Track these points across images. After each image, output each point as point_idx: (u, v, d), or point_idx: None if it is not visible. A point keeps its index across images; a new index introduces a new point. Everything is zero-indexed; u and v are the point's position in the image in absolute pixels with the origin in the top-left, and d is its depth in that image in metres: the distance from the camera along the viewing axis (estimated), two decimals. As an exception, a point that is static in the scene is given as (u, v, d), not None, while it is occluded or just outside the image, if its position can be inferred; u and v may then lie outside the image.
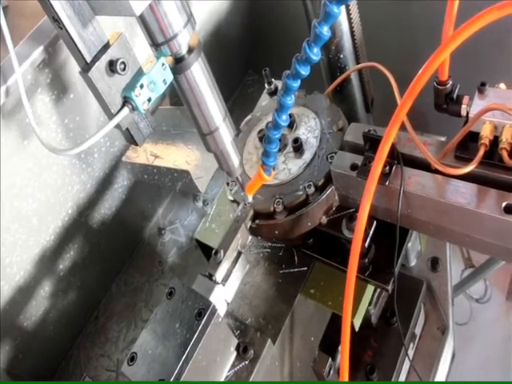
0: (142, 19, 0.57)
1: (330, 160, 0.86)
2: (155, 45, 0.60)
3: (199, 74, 0.65)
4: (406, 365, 1.08)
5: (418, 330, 1.14)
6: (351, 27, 0.97)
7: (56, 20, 0.53)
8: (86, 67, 0.56)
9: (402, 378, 1.07)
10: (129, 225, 1.40)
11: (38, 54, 0.82)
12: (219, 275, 0.80)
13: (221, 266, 0.80)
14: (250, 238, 0.89)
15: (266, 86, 1.07)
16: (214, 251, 0.81)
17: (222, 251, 0.81)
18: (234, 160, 0.78)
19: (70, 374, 1.29)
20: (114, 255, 1.38)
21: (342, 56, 1.02)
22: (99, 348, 1.31)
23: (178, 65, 0.63)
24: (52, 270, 1.16)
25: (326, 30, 0.57)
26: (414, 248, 1.16)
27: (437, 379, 1.11)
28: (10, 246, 1.01)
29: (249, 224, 0.87)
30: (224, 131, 0.73)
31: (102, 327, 1.34)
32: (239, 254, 0.84)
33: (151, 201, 1.45)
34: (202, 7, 1.36)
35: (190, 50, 0.62)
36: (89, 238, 1.24)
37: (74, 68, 0.95)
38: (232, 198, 0.94)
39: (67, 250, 1.18)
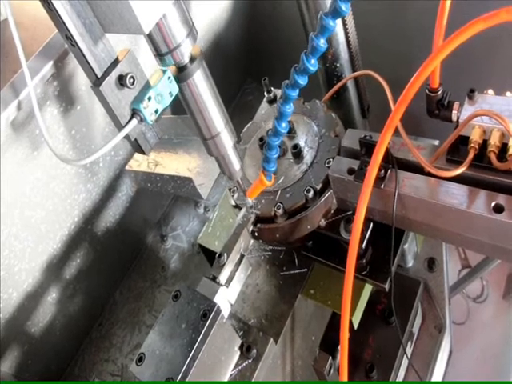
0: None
1: (327, 165, 0.88)
2: (159, 55, 0.62)
3: (201, 82, 0.67)
4: (405, 363, 1.09)
5: (415, 329, 1.15)
6: (347, 37, 0.99)
7: (69, 38, 0.56)
8: (97, 82, 0.58)
9: (401, 375, 1.09)
10: (132, 232, 1.43)
11: (48, 68, 0.85)
12: (223, 277, 0.82)
13: (224, 268, 0.82)
14: (252, 241, 0.91)
15: (265, 94, 1.09)
16: (217, 254, 0.83)
17: (225, 254, 0.83)
18: (235, 164, 0.80)
19: (75, 380, 1.31)
20: (118, 262, 1.40)
21: (338, 65, 1.04)
22: (104, 353, 1.33)
23: (181, 73, 0.65)
24: (59, 276, 1.18)
25: (322, 43, 0.60)
26: (411, 249, 1.16)
27: (434, 376, 1.12)
28: (19, 253, 1.03)
29: (251, 228, 0.89)
30: (225, 136, 0.75)
31: (107, 332, 1.36)
32: (242, 256, 0.86)
33: (153, 208, 1.48)
34: (202, 17, 1.39)
35: (192, 59, 0.65)
36: (94, 245, 1.26)
37: (80, 81, 0.98)
38: (234, 204, 0.96)
39: (73, 258, 1.21)
